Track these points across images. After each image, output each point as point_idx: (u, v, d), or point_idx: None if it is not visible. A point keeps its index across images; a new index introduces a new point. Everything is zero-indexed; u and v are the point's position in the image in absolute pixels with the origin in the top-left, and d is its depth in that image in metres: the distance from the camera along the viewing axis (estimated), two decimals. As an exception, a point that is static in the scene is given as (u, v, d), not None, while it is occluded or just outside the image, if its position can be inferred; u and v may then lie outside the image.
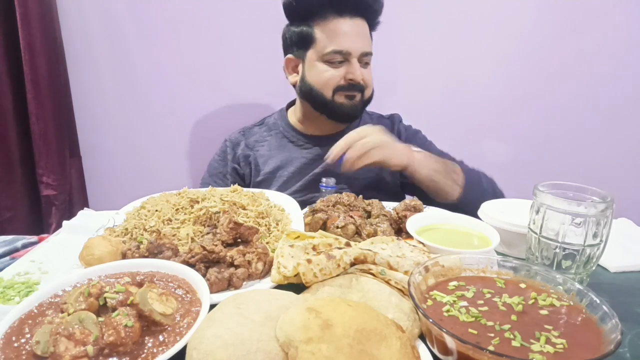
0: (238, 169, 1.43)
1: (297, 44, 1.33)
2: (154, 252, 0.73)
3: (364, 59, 1.28)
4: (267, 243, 0.83)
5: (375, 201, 1.01)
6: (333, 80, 1.27)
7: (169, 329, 0.54)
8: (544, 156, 1.88)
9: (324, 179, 1.21)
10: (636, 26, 1.70)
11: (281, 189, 1.33)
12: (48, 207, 1.66)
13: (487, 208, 0.95)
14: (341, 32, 1.24)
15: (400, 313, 0.59)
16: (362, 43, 1.26)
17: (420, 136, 1.49)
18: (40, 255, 0.79)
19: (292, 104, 1.48)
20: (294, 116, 1.44)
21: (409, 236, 0.86)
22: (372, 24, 1.32)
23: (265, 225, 0.90)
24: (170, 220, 0.87)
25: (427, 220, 0.93)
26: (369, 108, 1.54)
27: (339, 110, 1.31)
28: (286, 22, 1.36)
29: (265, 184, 1.38)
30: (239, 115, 1.71)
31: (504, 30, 1.72)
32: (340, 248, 0.72)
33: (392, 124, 1.48)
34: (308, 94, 1.32)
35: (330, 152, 1.12)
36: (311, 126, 1.41)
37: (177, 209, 0.89)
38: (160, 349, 0.51)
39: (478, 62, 1.76)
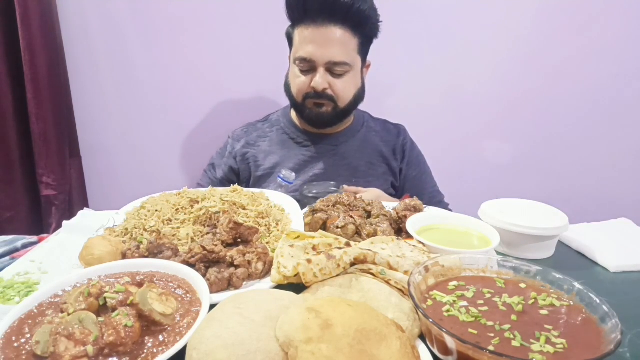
0: (233, 166, 1.45)
1: (288, 44, 1.37)
2: (154, 252, 0.73)
3: (336, 68, 1.25)
4: (267, 243, 0.83)
5: (375, 201, 1.01)
6: (303, 87, 1.29)
7: (169, 329, 0.54)
8: (543, 156, 1.89)
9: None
10: (636, 26, 1.70)
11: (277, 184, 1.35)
12: (48, 207, 1.66)
13: (487, 208, 0.95)
14: (310, 39, 1.23)
15: (400, 313, 0.59)
16: (331, 52, 1.23)
17: (422, 160, 1.52)
18: (40, 255, 0.79)
19: None
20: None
21: (409, 236, 0.86)
22: (363, 34, 1.28)
23: (265, 225, 0.90)
24: (170, 220, 0.86)
25: (427, 220, 0.93)
26: (373, 112, 1.55)
27: (307, 115, 1.33)
28: (285, 21, 1.38)
29: (264, 179, 1.39)
30: (239, 116, 1.71)
31: (504, 30, 1.72)
32: (340, 248, 0.72)
33: (398, 134, 1.49)
34: (287, 93, 1.37)
35: (349, 188, 1.18)
36: (305, 124, 1.42)
37: (177, 209, 0.89)
38: (160, 349, 0.51)
39: (477, 62, 1.76)
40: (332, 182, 1.19)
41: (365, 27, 1.27)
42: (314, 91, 1.27)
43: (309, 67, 1.26)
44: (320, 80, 1.24)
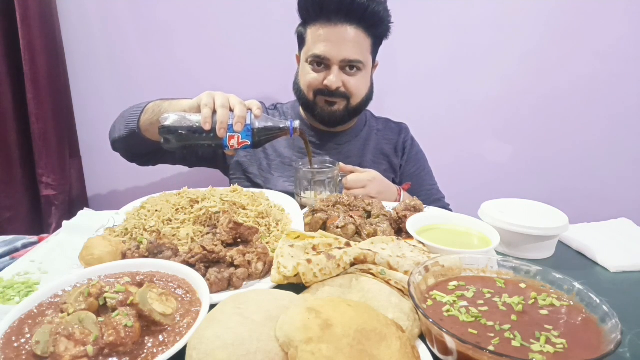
0: None
1: (298, 43, 1.37)
2: (154, 252, 0.73)
3: (350, 67, 1.27)
4: (267, 243, 0.83)
5: (375, 201, 1.01)
6: (314, 83, 1.29)
7: (169, 329, 0.54)
8: (543, 156, 1.89)
9: (296, 122, 1.05)
10: (637, 27, 1.70)
11: (280, 172, 1.36)
12: (48, 207, 1.66)
13: (487, 208, 0.95)
14: (324, 37, 1.24)
15: (400, 313, 0.59)
16: (346, 50, 1.24)
17: (422, 157, 1.52)
18: (40, 255, 0.79)
19: None
20: None
21: (409, 236, 0.86)
22: (375, 34, 1.30)
23: (265, 225, 0.90)
24: (170, 220, 0.86)
25: (427, 220, 0.93)
26: (374, 111, 1.56)
27: (318, 114, 1.34)
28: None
29: (265, 161, 1.39)
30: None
31: (505, 31, 1.72)
32: (340, 248, 0.72)
33: (399, 132, 1.51)
34: (297, 92, 1.37)
35: (345, 166, 1.19)
36: (313, 120, 1.43)
37: (177, 209, 0.89)
38: (160, 349, 0.51)
39: (478, 63, 1.76)
40: (328, 158, 1.19)
41: (378, 28, 1.29)
42: (327, 89, 1.27)
43: (322, 65, 1.27)
44: (335, 78, 1.25)
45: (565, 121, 1.83)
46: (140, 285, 0.60)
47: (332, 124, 1.37)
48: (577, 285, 0.60)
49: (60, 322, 0.51)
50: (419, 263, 0.66)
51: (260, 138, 0.99)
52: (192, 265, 0.69)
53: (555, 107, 1.82)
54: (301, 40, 1.34)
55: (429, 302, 0.59)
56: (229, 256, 0.72)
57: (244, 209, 0.92)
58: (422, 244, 0.81)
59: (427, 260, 0.66)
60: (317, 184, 1.12)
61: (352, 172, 1.17)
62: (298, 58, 1.40)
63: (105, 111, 1.76)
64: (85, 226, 0.90)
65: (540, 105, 1.82)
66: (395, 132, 1.51)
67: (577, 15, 1.69)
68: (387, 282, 0.65)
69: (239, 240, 0.78)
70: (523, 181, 1.90)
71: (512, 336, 0.52)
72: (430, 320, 0.52)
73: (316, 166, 1.14)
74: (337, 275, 0.68)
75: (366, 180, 1.15)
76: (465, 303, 0.59)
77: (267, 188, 1.20)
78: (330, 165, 1.15)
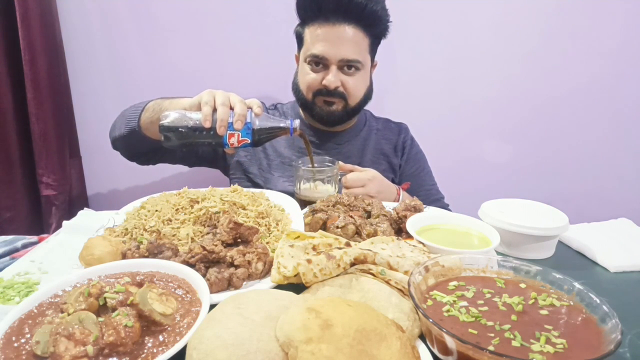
0: None
1: (297, 43, 1.38)
2: (154, 252, 0.73)
3: (348, 67, 1.27)
4: (267, 243, 0.83)
5: (375, 201, 1.01)
6: (313, 83, 1.29)
7: (169, 329, 0.54)
8: (543, 156, 1.89)
9: (297, 121, 1.05)
10: (636, 26, 1.70)
11: (280, 172, 1.36)
12: (48, 207, 1.66)
13: (487, 208, 0.95)
14: (322, 37, 1.24)
15: (400, 313, 0.59)
16: (344, 50, 1.24)
17: (421, 157, 1.52)
18: (40, 255, 0.79)
19: None
20: None
21: (409, 236, 0.86)
22: (373, 34, 1.30)
23: (265, 225, 0.90)
24: (170, 220, 0.86)
25: (427, 220, 0.93)
26: (374, 112, 1.56)
27: (317, 113, 1.34)
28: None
29: (265, 161, 1.39)
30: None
31: (505, 31, 1.72)
32: (340, 248, 0.72)
33: (399, 132, 1.51)
34: (295, 92, 1.38)
35: (345, 165, 1.19)
36: (313, 120, 1.43)
37: (177, 209, 0.89)
38: (160, 349, 0.51)
39: (478, 63, 1.76)
40: (327, 157, 1.19)
41: (376, 27, 1.29)
42: (326, 89, 1.27)
43: (321, 65, 1.27)
44: (333, 78, 1.25)
45: (565, 121, 1.83)
46: (140, 285, 0.60)
47: (330, 124, 1.38)
48: (577, 285, 0.60)
49: (60, 322, 0.51)
50: (419, 263, 0.66)
51: (260, 136, 0.99)
52: (192, 265, 0.69)
53: (555, 107, 1.82)
54: (300, 40, 1.34)
55: (429, 302, 0.59)
56: (229, 256, 0.72)
57: (244, 209, 0.92)
58: (422, 244, 0.81)
59: (427, 260, 0.66)
60: (316, 182, 1.13)
61: (351, 170, 1.17)
62: (297, 58, 1.40)
63: (105, 111, 1.76)
64: (85, 226, 0.90)
65: (540, 105, 1.82)
66: (394, 132, 1.51)
67: (577, 16, 1.69)
68: (387, 282, 0.65)
69: (239, 240, 0.78)
70: (523, 181, 1.91)
71: (512, 336, 0.52)
72: (430, 320, 0.52)
73: (316, 165, 1.14)
74: (337, 275, 0.68)
75: (365, 179, 1.15)
76: (465, 303, 0.59)
77: (267, 188, 1.20)
78: (330, 164, 1.15)
